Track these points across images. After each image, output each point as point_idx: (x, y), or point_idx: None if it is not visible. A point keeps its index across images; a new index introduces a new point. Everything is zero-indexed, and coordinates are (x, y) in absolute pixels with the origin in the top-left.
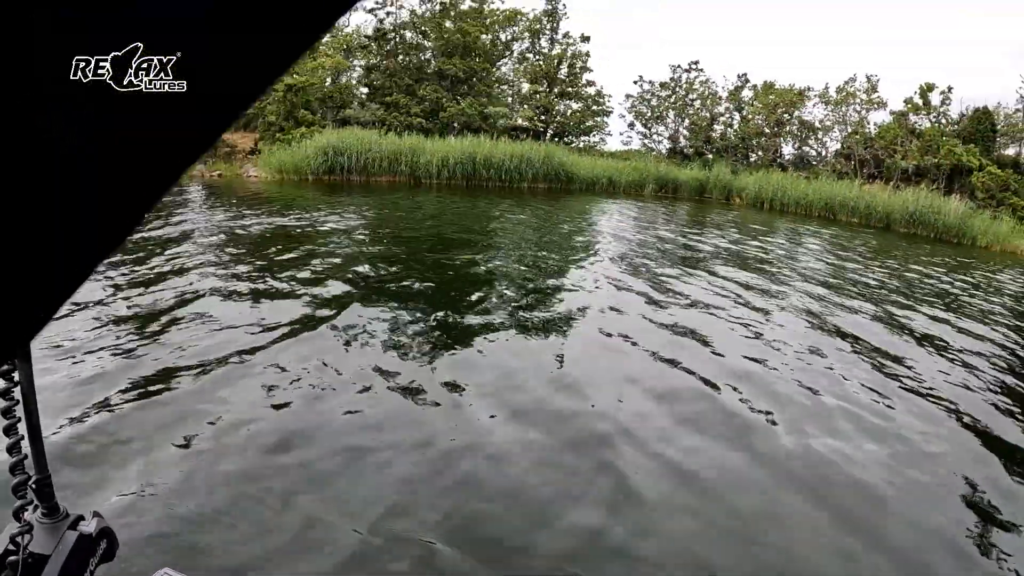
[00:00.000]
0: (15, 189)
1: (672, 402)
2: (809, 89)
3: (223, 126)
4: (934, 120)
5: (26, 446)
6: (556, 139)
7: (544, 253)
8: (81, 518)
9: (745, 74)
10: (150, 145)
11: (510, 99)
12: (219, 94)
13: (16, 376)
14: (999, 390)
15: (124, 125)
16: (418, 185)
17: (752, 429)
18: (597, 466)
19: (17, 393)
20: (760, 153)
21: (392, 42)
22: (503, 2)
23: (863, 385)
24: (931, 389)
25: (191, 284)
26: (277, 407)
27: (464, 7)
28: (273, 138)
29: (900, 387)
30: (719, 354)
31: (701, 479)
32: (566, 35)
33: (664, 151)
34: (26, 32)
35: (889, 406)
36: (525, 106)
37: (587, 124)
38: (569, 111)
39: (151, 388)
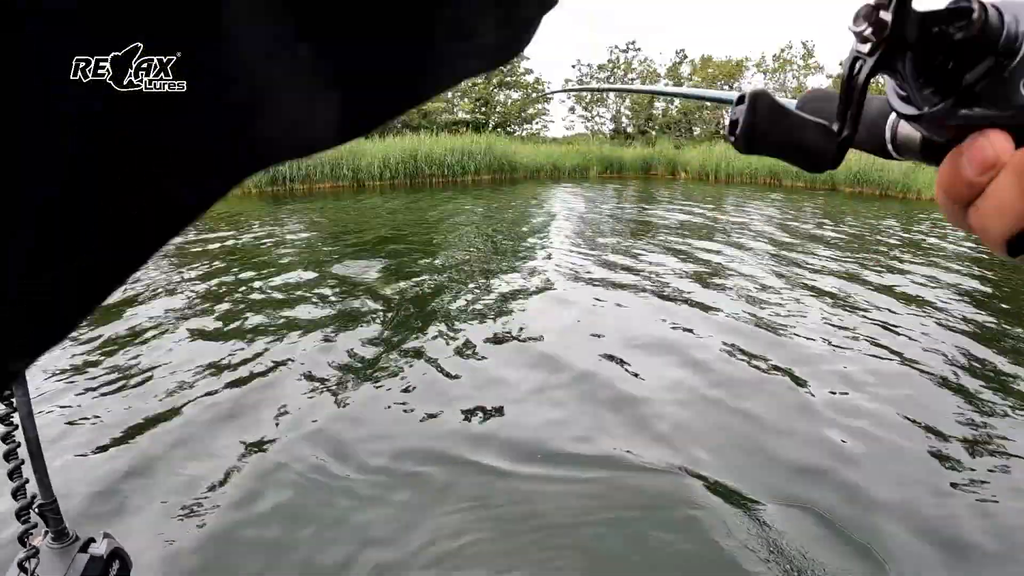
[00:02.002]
0: (14, 190)
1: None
2: (747, 60)
3: (223, 126)
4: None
5: (27, 470)
6: (498, 129)
7: (487, 250)
8: (92, 540)
9: (683, 50)
10: (151, 146)
11: (449, 93)
12: (219, 95)
13: (14, 401)
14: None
15: (124, 125)
16: (362, 188)
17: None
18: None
19: (16, 418)
20: (703, 126)
21: None
22: None
23: (868, 354)
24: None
25: (147, 314)
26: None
27: None
28: None
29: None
30: (696, 334)
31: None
32: None
33: (607, 132)
34: (26, 32)
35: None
36: (465, 99)
37: (528, 112)
38: (509, 101)
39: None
